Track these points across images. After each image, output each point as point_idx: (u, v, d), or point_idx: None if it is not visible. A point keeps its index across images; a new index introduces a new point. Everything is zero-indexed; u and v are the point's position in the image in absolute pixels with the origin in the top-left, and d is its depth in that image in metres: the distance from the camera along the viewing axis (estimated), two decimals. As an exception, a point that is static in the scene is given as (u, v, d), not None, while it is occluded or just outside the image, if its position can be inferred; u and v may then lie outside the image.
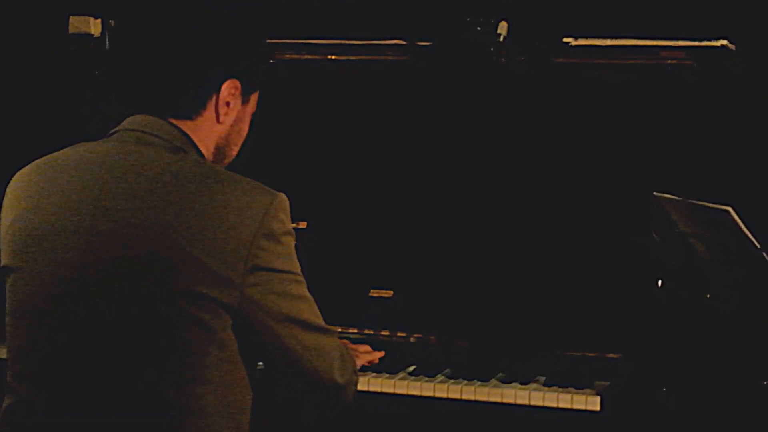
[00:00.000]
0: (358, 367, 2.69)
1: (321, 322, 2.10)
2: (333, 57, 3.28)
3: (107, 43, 3.41)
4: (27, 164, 2.14)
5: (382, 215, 3.19)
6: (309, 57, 3.30)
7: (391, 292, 3.06)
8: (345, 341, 2.66)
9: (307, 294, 2.09)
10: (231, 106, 2.12)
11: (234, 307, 1.98)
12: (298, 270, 2.07)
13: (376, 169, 3.30)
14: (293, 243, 2.05)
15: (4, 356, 2.92)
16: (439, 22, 3.19)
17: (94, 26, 3.41)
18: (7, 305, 2.07)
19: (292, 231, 2.04)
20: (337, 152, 3.34)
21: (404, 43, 3.21)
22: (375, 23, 3.26)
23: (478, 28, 3.09)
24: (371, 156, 3.31)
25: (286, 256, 2.03)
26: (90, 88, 3.44)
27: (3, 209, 2.12)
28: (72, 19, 3.42)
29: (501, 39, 3.08)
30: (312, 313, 2.08)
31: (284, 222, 2.03)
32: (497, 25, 3.08)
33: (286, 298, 2.03)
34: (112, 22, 3.41)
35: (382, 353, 2.72)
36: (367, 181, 3.28)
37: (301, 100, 3.39)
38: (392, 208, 3.20)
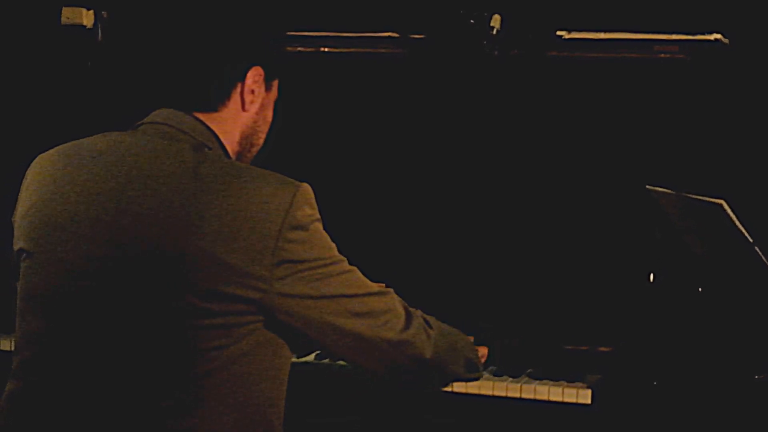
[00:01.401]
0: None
1: (367, 287, 2.06)
2: (326, 49, 3.28)
3: (100, 34, 3.40)
4: (20, 155, 2.13)
5: (374, 210, 3.19)
6: (302, 49, 3.29)
7: (382, 285, 3.05)
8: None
9: (347, 268, 2.04)
10: (256, 93, 2.11)
11: (262, 303, 1.95)
12: (331, 252, 2.03)
13: (369, 163, 3.29)
14: (320, 226, 2.02)
15: (7, 348, 2.94)
16: (432, 15, 3.19)
17: (87, 17, 3.40)
18: (19, 288, 2.06)
19: (319, 217, 2.02)
20: (330, 146, 3.34)
21: (397, 36, 3.21)
22: (368, 16, 3.26)
23: (471, 21, 3.08)
24: (363, 150, 3.31)
25: (314, 243, 2.00)
26: (82, 79, 3.43)
27: (23, 191, 2.10)
28: (64, 10, 3.41)
29: (494, 32, 3.08)
30: (352, 284, 2.03)
31: (309, 212, 2.00)
32: (490, 18, 3.08)
33: (320, 281, 1.99)
34: (105, 14, 3.40)
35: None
36: (359, 175, 3.28)
37: (293, 92, 3.38)
38: (383, 203, 3.20)
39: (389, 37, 3.21)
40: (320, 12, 3.32)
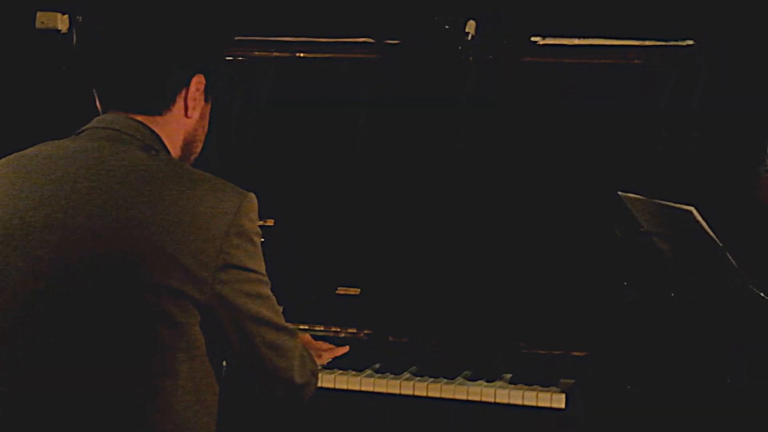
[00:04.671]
0: (324, 364, 2.71)
1: (284, 322, 2.12)
2: (302, 55, 3.29)
3: (74, 39, 3.40)
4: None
5: (349, 213, 3.20)
6: (277, 54, 3.30)
7: (358, 290, 3.06)
8: (307, 337, 2.68)
9: (272, 295, 2.10)
10: (198, 100, 2.15)
11: (202, 303, 1.98)
12: (264, 270, 2.08)
13: (344, 166, 3.30)
14: (260, 244, 2.07)
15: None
16: (407, 21, 3.19)
17: (62, 22, 3.40)
18: None
19: (261, 231, 2.06)
20: (305, 150, 3.34)
21: (373, 41, 3.21)
22: (343, 21, 3.27)
23: (446, 27, 3.09)
24: (339, 154, 3.32)
25: (255, 255, 2.05)
26: (57, 83, 3.43)
27: None
28: (39, 14, 3.41)
29: (469, 38, 3.09)
30: (276, 313, 2.10)
31: (255, 221, 2.05)
32: (465, 24, 3.09)
33: (254, 297, 2.04)
34: (80, 18, 3.40)
35: (346, 348, 2.73)
36: (334, 178, 3.28)
37: (269, 97, 3.39)
38: (359, 206, 3.20)
39: (365, 42, 3.21)
40: (296, 17, 3.32)
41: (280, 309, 2.12)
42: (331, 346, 2.71)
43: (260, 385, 2.13)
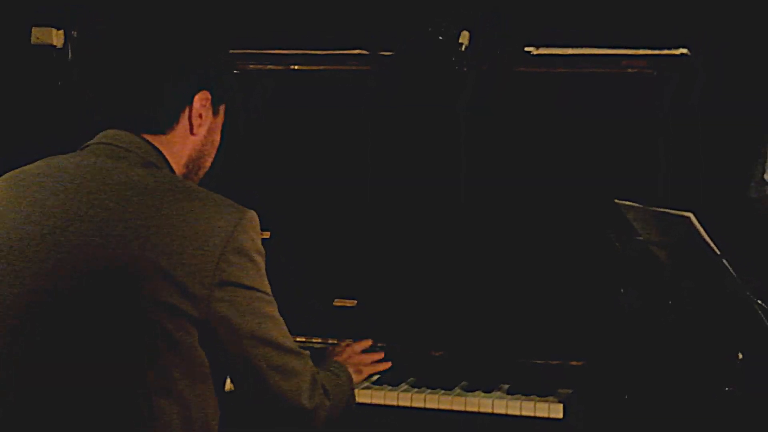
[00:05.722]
0: (364, 377, 2.68)
1: (291, 343, 2.10)
2: (296, 67, 3.29)
3: (70, 54, 3.40)
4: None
5: (345, 224, 3.19)
6: (272, 67, 3.30)
7: (355, 302, 3.05)
8: (355, 349, 2.66)
9: (278, 315, 2.08)
10: (203, 117, 2.14)
11: (200, 321, 1.97)
12: (269, 290, 2.07)
13: (339, 178, 3.30)
14: (263, 262, 2.05)
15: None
16: (401, 32, 3.20)
17: (57, 37, 3.40)
18: None
19: (263, 250, 2.04)
20: (301, 162, 3.35)
21: (367, 53, 3.22)
22: (338, 33, 3.27)
23: (440, 38, 3.10)
24: (334, 166, 3.32)
25: (256, 273, 2.03)
26: (52, 99, 3.43)
27: None
28: (35, 30, 3.41)
29: (463, 48, 3.09)
30: (281, 333, 2.08)
31: (254, 239, 2.03)
32: (459, 34, 3.09)
33: (255, 316, 2.03)
34: (75, 34, 3.40)
35: (388, 364, 2.73)
36: (330, 190, 3.28)
37: (264, 110, 3.39)
38: (355, 218, 3.20)
39: (359, 54, 3.21)
40: (290, 30, 3.33)
41: (286, 330, 2.10)
42: (373, 356, 2.70)
43: (267, 408, 2.11)
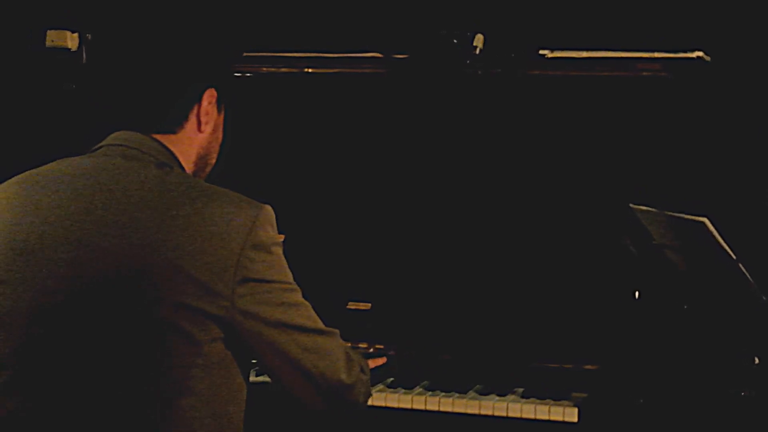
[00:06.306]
0: None
1: (319, 324, 2.10)
2: (310, 70, 3.29)
3: (84, 56, 3.41)
4: (3, 178, 2.14)
5: (360, 228, 3.20)
6: (286, 70, 3.30)
7: (369, 305, 3.06)
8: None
9: (302, 300, 2.09)
10: (210, 114, 2.16)
11: (225, 319, 1.97)
12: (290, 279, 2.08)
13: (354, 181, 3.30)
14: (281, 251, 2.06)
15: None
16: (415, 35, 3.20)
17: (71, 40, 3.41)
18: None
19: (280, 242, 2.06)
20: (315, 165, 3.35)
21: (381, 56, 3.22)
22: (351, 36, 3.27)
23: (454, 41, 3.09)
24: (348, 169, 3.32)
25: (276, 266, 2.04)
26: (67, 101, 3.43)
27: None
28: (49, 32, 3.42)
29: (477, 52, 3.09)
30: (308, 317, 2.09)
31: (271, 233, 2.05)
32: (473, 37, 3.09)
33: (279, 306, 2.03)
34: (89, 36, 3.41)
35: (384, 359, 2.74)
36: (344, 193, 3.29)
37: (278, 113, 3.39)
38: (370, 221, 3.20)
39: (372, 57, 3.21)
40: (304, 33, 3.33)
41: (313, 313, 2.11)
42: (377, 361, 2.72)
43: (309, 394, 2.11)
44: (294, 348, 2.05)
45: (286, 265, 2.07)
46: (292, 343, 2.05)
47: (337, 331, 2.16)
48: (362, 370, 2.19)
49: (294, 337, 2.05)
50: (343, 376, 2.12)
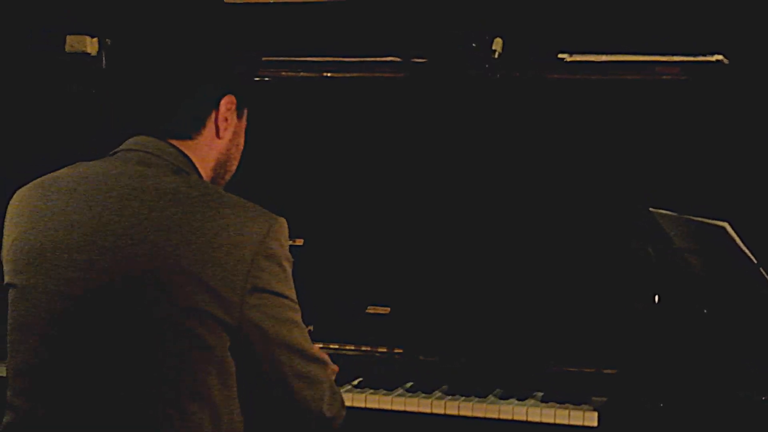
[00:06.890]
0: None
1: (315, 350, 2.11)
2: (328, 74, 3.29)
3: (104, 61, 3.42)
4: (25, 182, 2.15)
5: (379, 232, 3.20)
6: (304, 75, 3.31)
7: (388, 309, 3.06)
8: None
9: (302, 322, 2.10)
10: (229, 121, 2.15)
11: (233, 327, 1.98)
12: (295, 297, 2.08)
13: (373, 186, 3.30)
14: (290, 269, 2.06)
15: (3, 374, 2.94)
16: (434, 39, 3.20)
17: (91, 45, 3.42)
18: (8, 322, 2.08)
19: (291, 258, 2.06)
20: (333, 169, 3.35)
21: (399, 60, 3.22)
22: (370, 40, 3.27)
23: (473, 45, 3.09)
24: (367, 173, 3.32)
25: (284, 281, 2.05)
26: (87, 106, 3.45)
27: (5, 227, 2.13)
28: (69, 38, 3.43)
29: (496, 55, 3.09)
30: (307, 341, 2.10)
31: (284, 246, 2.04)
32: (492, 41, 3.09)
33: (284, 323, 2.04)
34: (109, 41, 3.42)
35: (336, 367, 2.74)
36: (363, 198, 3.29)
37: (297, 117, 3.40)
38: (389, 225, 3.20)
39: (391, 61, 3.21)
40: (323, 37, 3.33)
41: (309, 337, 2.11)
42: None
43: (288, 416, 2.12)
44: (289, 371, 2.06)
45: (293, 284, 2.08)
46: (289, 365, 2.05)
47: (328, 360, 2.17)
48: (342, 407, 2.18)
49: (292, 359, 2.05)
50: (325, 409, 2.12)
